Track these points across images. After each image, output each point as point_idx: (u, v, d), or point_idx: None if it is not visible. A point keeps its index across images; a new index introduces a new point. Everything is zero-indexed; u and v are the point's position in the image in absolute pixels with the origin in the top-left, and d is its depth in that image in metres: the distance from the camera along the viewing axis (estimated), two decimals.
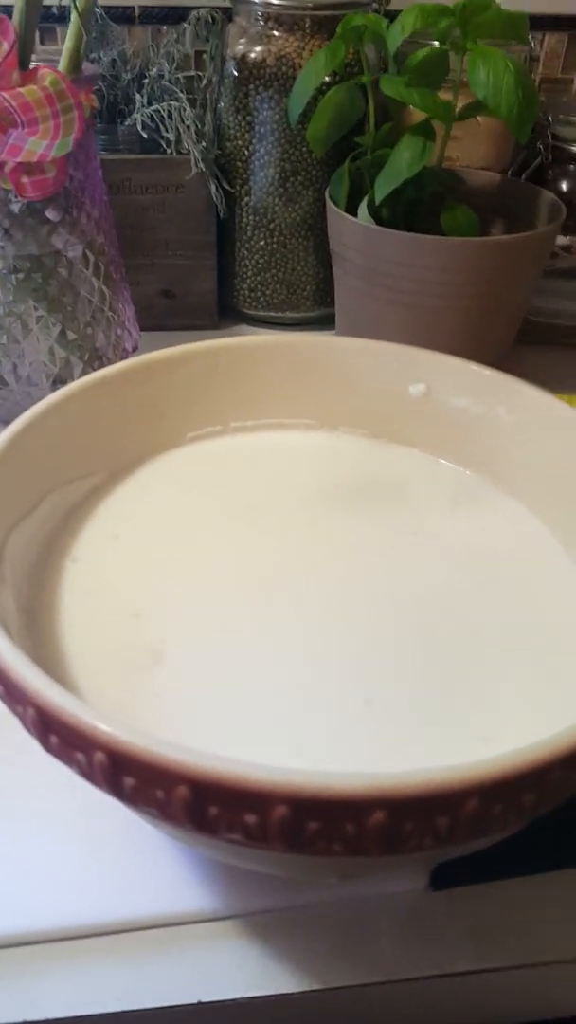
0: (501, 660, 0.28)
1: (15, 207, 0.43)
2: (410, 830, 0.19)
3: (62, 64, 0.41)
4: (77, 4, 0.39)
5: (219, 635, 0.28)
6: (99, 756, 0.19)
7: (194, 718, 0.25)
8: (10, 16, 0.37)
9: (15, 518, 0.29)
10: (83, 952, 0.27)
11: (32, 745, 0.22)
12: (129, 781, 0.19)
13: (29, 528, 0.29)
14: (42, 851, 0.29)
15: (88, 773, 0.20)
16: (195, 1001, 0.27)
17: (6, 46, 0.35)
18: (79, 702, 0.19)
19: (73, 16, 0.39)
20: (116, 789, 0.19)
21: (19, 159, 0.38)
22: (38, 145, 0.37)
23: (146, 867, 0.28)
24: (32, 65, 0.40)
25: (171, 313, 0.61)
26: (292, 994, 0.27)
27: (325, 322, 0.61)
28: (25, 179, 0.40)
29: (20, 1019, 0.26)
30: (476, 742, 0.25)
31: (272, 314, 0.63)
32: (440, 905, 0.29)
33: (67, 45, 0.41)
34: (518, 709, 0.26)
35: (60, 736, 0.20)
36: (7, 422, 0.51)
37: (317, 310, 0.63)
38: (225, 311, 0.63)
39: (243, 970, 0.27)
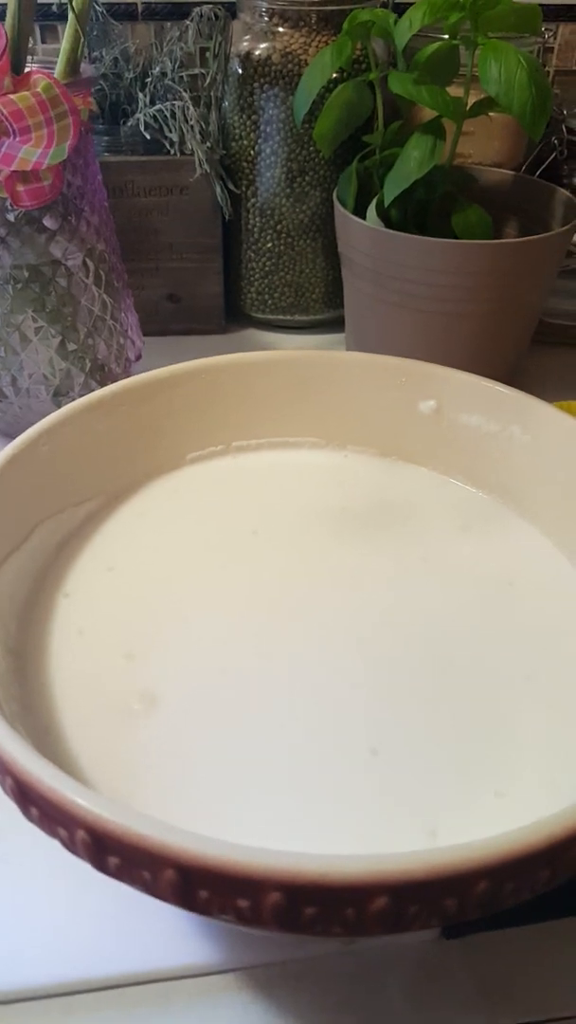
0: (515, 701, 0.26)
1: (11, 216, 0.41)
2: (415, 913, 0.17)
3: (59, 67, 0.40)
4: (74, 5, 0.37)
5: (216, 678, 0.27)
6: (81, 834, 0.17)
7: (189, 771, 0.24)
8: (2, 19, 0.36)
9: (3, 553, 0.28)
10: (82, 1007, 0.26)
11: None
12: (114, 860, 0.18)
13: (19, 562, 0.28)
14: (39, 904, 0.27)
15: (71, 849, 0.18)
16: None
17: None
18: (61, 774, 0.18)
19: (70, 17, 0.38)
20: (100, 866, 0.18)
21: (13, 167, 0.37)
22: (32, 153, 0.36)
23: (146, 919, 0.27)
24: (28, 68, 0.38)
25: (176, 318, 0.60)
26: None
27: (335, 325, 0.60)
28: (21, 187, 0.39)
29: None
30: (488, 797, 0.23)
31: (280, 317, 0.61)
32: (452, 954, 0.28)
33: (63, 47, 0.39)
34: (533, 756, 0.25)
35: (40, 809, 0.18)
36: (7, 435, 0.50)
37: (326, 312, 0.61)
38: (232, 315, 0.61)
39: None
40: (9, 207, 0.40)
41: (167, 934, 0.27)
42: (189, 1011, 0.26)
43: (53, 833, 0.18)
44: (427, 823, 0.23)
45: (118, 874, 0.18)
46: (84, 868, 0.28)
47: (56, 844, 0.27)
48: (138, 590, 0.29)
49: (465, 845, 0.17)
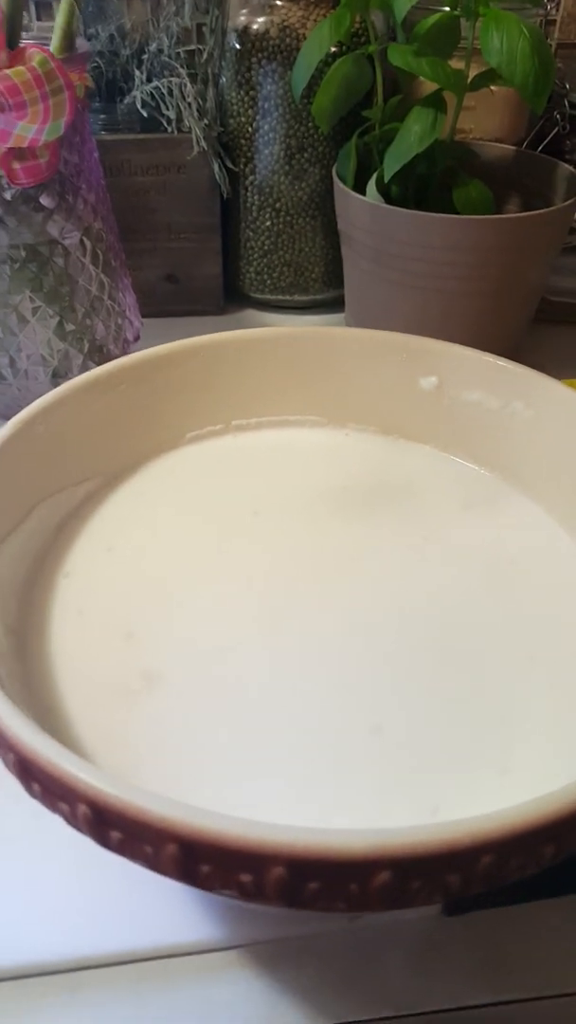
0: (517, 678, 0.26)
1: (8, 194, 0.41)
2: (418, 887, 0.17)
3: (53, 42, 0.39)
4: None
5: (217, 657, 0.26)
6: (83, 809, 0.17)
7: (189, 748, 0.24)
8: None
9: (4, 532, 0.27)
10: (85, 984, 0.26)
11: None
12: (116, 835, 0.17)
13: (18, 542, 0.28)
14: (43, 882, 0.27)
15: (73, 823, 0.18)
16: None
17: None
18: (62, 749, 0.18)
19: None
20: (102, 841, 0.18)
21: (9, 144, 0.36)
22: (28, 129, 0.35)
23: (148, 897, 0.27)
24: (22, 44, 0.38)
25: (175, 298, 0.59)
26: None
27: (335, 304, 0.59)
28: (17, 165, 0.38)
29: None
30: (492, 773, 0.23)
31: (280, 297, 0.60)
32: (454, 932, 0.28)
33: (58, 22, 0.39)
34: (536, 733, 0.25)
35: (42, 785, 0.18)
36: (5, 417, 0.50)
37: (326, 292, 0.60)
38: (231, 295, 0.61)
39: (249, 1002, 0.26)
40: (5, 185, 0.40)
41: (171, 911, 0.27)
42: (193, 987, 0.27)
43: (55, 808, 0.18)
44: (429, 800, 0.23)
45: (120, 849, 0.18)
46: (88, 846, 0.28)
47: (59, 822, 0.27)
48: (137, 570, 0.29)
49: (468, 820, 0.17)
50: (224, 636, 0.27)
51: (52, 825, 0.28)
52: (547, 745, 0.24)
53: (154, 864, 0.17)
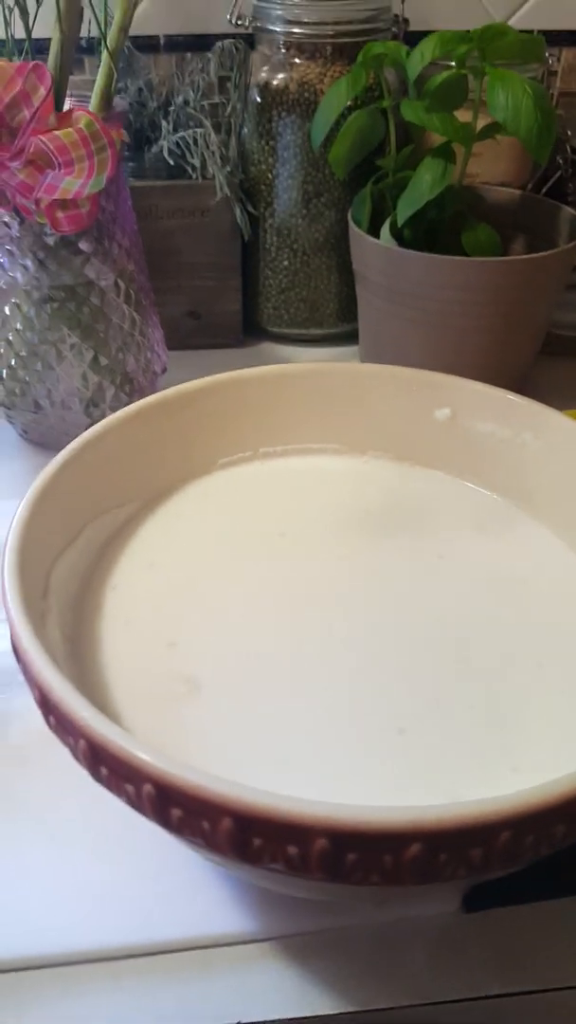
0: (528, 683, 0.29)
1: (50, 240, 0.44)
2: (444, 861, 0.19)
3: (93, 103, 0.42)
4: (108, 44, 0.40)
5: (252, 664, 0.29)
6: (148, 788, 0.20)
7: (229, 748, 0.26)
8: (45, 59, 0.38)
9: (59, 549, 0.30)
10: (125, 972, 0.28)
11: (76, 771, 0.23)
12: (176, 812, 0.20)
13: (71, 558, 0.31)
14: (85, 875, 0.30)
15: (136, 804, 0.21)
16: (234, 1022, 0.27)
17: (43, 91, 0.36)
18: (129, 736, 0.20)
19: (104, 56, 0.41)
20: (163, 819, 0.20)
21: (55, 196, 0.39)
22: (73, 184, 0.39)
23: (186, 891, 0.29)
24: (66, 104, 0.41)
25: (198, 333, 0.62)
26: (327, 1015, 0.28)
27: (348, 338, 0.62)
28: (60, 214, 0.41)
29: None
30: (505, 771, 0.25)
31: (296, 331, 0.64)
32: (472, 927, 0.30)
33: (98, 84, 0.42)
34: (546, 736, 0.27)
35: (110, 768, 0.21)
36: (43, 445, 0.53)
37: (340, 326, 0.63)
38: (250, 329, 0.64)
39: (280, 991, 0.28)
40: (48, 232, 0.43)
41: (209, 905, 0.29)
42: (228, 976, 0.28)
43: (120, 791, 0.21)
44: (449, 796, 0.25)
45: (180, 827, 0.20)
46: (124, 846, 0.30)
47: (105, 824, 0.29)
48: (177, 584, 0.32)
49: (489, 799, 0.19)
50: (258, 644, 0.30)
51: (92, 822, 0.31)
52: (556, 745, 0.26)
53: (210, 839, 0.20)
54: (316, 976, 0.29)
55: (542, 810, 0.19)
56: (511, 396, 0.36)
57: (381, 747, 0.26)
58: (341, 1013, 0.28)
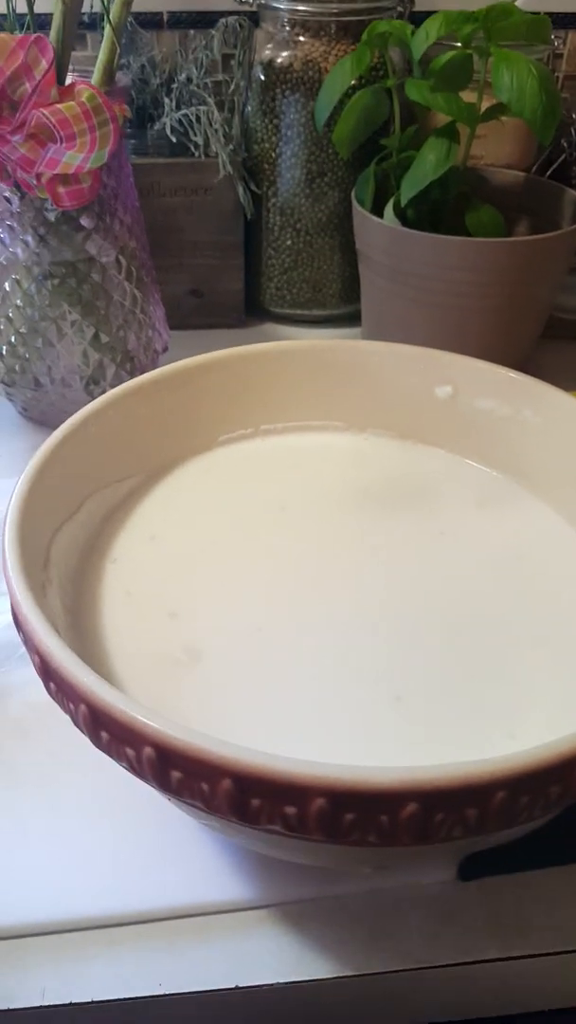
0: (526, 658, 0.29)
1: (51, 215, 0.44)
2: (441, 821, 0.20)
3: (96, 77, 0.42)
4: (111, 19, 0.40)
5: (252, 633, 0.29)
6: (148, 751, 0.20)
7: (228, 716, 0.26)
8: (47, 33, 0.38)
9: (59, 521, 0.30)
10: (126, 939, 0.29)
11: (76, 742, 0.24)
12: (176, 775, 0.20)
13: (71, 531, 0.31)
14: (85, 844, 0.30)
15: (137, 768, 0.21)
16: (232, 986, 0.28)
17: (45, 64, 0.36)
18: (129, 700, 0.20)
19: (107, 30, 0.40)
20: (163, 782, 0.20)
21: (56, 171, 0.39)
22: (75, 158, 0.38)
23: (186, 859, 0.30)
24: (68, 79, 0.41)
25: (199, 312, 0.62)
26: (325, 980, 0.28)
27: (351, 319, 0.62)
28: (61, 189, 0.41)
29: (67, 1001, 0.27)
30: (501, 738, 0.26)
31: (298, 312, 0.64)
32: (468, 895, 0.30)
33: (100, 58, 0.42)
34: (542, 706, 0.27)
35: (111, 732, 0.21)
36: (42, 423, 0.53)
37: (343, 307, 0.63)
38: (252, 309, 0.64)
39: (278, 957, 0.28)
40: (49, 207, 0.43)
41: (207, 872, 0.30)
42: (227, 943, 0.29)
43: (120, 755, 0.21)
44: (445, 759, 0.25)
45: (179, 789, 0.20)
46: (125, 814, 0.30)
47: (104, 794, 0.29)
48: (178, 557, 0.32)
49: (484, 760, 0.19)
50: (257, 615, 0.30)
51: (93, 792, 0.31)
52: (550, 713, 0.27)
53: (210, 801, 0.20)
54: (313, 942, 0.29)
55: (536, 771, 0.20)
56: (512, 373, 0.36)
57: (378, 714, 0.27)
58: (339, 977, 0.28)
